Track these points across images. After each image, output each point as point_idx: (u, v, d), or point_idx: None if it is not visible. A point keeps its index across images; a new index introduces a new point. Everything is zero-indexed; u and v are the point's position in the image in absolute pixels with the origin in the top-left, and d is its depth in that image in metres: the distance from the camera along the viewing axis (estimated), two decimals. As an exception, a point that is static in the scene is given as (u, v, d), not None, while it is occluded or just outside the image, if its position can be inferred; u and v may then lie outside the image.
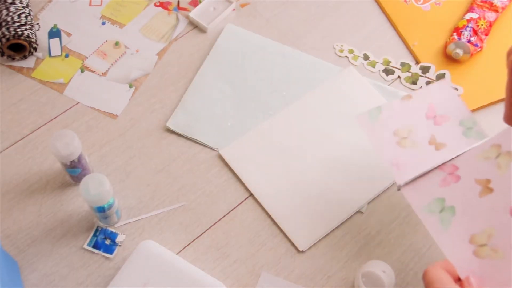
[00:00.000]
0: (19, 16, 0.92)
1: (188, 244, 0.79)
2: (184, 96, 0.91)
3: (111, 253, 0.78)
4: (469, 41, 0.92)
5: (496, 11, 0.95)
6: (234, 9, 1.00)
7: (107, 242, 0.79)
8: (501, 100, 0.90)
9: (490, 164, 0.67)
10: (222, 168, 0.85)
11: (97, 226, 0.80)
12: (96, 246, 0.78)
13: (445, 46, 0.95)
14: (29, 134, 0.87)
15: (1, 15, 0.91)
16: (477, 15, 0.94)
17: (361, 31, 0.98)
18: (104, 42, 0.97)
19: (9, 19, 0.91)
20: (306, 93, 0.91)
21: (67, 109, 0.90)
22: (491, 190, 0.66)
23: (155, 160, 0.86)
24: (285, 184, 0.83)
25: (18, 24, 0.91)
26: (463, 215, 0.66)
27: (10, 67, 0.93)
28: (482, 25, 0.93)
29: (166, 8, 1.01)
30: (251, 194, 0.83)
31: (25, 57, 0.94)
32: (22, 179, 0.83)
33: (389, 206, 0.82)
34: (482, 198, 0.66)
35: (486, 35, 0.94)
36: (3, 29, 0.90)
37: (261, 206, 0.82)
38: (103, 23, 0.99)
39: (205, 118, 0.89)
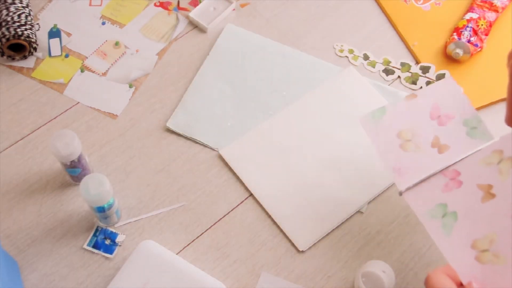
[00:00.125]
0: (19, 16, 0.92)
1: (188, 244, 0.79)
2: (184, 96, 0.91)
3: (111, 253, 0.78)
4: (469, 41, 0.92)
5: (496, 11, 0.95)
6: (234, 9, 1.00)
7: (107, 242, 0.79)
8: (501, 100, 0.90)
9: (492, 169, 0.67)
10: (222, 168, 0.85)
11: (97, 226, 0.80)
12: (96, 246, 0.78)
13: (445, 46, 0.95)
14: (29, 134, 0.87)
15: (1, 15, 0.91)
16: (477, 15, 0.94)
17: (361, 31, 0.98)
18: (104, 42, 0.97)
19: (9, 19, 0.91)
20: (306, 93, 0.91)
21: (67, 109, 0.90)
22: (493, 195, 0.66)
23: (155, 160, 0.86)
24: (285, 184, 0.83)
25: (18, 24, 0.91)
26: (465, 220, 0.66)
27: (10, 67, 0.93)
28: (482, 25, 0.93)
29: (166, 8, 1.01)
30: (251, 194, 0.83)
31: (25, 57, 0.94)
32: (22, 179, 0.83)
33: (389, 206, 0.82)
34: (484, 203, 0.66)
35: (486, 35, 0.94)
36: (3, 29, 0.90)
37: (261, 206, 0.82)
38: (103, 23, 0.99)
39: (205, 118, 0.89)
